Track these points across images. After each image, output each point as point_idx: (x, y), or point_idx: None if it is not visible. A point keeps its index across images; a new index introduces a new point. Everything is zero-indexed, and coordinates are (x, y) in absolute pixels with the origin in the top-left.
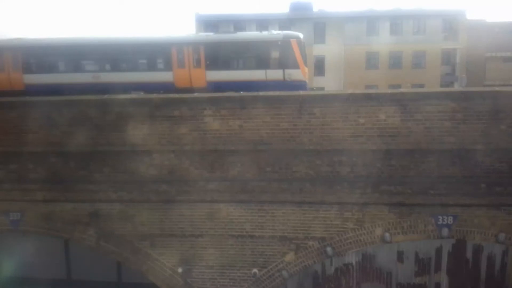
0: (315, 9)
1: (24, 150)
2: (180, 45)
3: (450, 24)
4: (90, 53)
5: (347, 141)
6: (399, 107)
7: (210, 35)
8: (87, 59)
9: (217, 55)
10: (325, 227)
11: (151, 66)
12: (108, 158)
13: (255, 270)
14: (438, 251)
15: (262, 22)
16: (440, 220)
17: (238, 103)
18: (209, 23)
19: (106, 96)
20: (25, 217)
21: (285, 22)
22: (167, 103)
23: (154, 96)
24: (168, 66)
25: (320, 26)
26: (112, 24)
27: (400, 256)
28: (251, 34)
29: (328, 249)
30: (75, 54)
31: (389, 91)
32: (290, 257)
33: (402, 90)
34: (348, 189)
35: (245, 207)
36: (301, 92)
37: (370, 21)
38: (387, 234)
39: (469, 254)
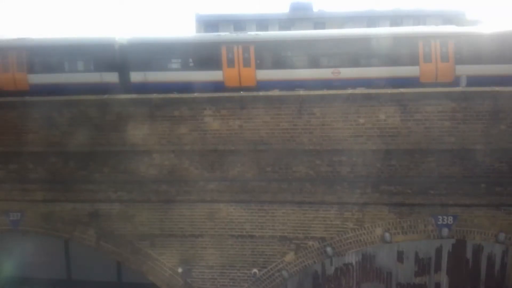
0: (315, 9)
1: (24, 150)
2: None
3: (450, 25)
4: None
5: (347, 141)
6: (399, 107)
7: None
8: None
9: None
10: (325, 227)
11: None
12: (108, 158)
13: (255, 270)
14: (438, 251)
15: (262, 22)
16: (440, 220)
17: (238, 103)
18: (209, 23)
19: (106, 96)
20: (25, 217)
21: (285, 22)
22: (167, 103)
23: (154, 96)
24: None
25: (320, 26)
26: (112, 24)
27: (400, 256)
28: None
29: (328, 249)
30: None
31: (389, 91)
32: (290, 257)
33: (402, 90)
34: (348, 189)
35: (245, 207)
36: (301, 92)
37: (370, 21)
38: (387, 234)
39: (469, 254)
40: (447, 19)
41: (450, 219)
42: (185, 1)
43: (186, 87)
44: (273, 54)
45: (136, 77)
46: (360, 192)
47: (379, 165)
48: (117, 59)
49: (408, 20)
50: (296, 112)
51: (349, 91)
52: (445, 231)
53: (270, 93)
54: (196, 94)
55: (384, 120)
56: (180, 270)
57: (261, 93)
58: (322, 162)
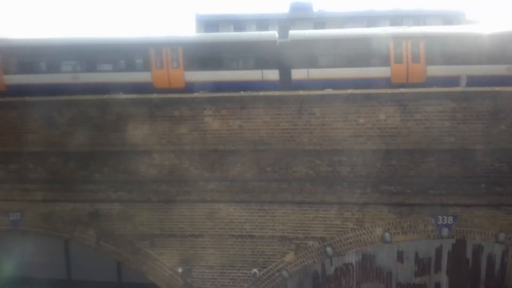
0: (315, 9)
1: (24, 150)
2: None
3: (450, 25)
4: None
5: (347, 141)
6: (399, 107)
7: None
8: None
9: None
10: (325, 227)
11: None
12: (108, 158)
13: (255, 270)
14: (438, 251)
15: (262, 22)
16: (440, 220)
17: (238, 103)
18: (209, 23)
19: (106, 96)
20: (25, 217)
21: (285, 22)
22: (167, 103)
23: (154, 96)
24: None
25: (320, 26)
26: (112, 24)
27: (400, 256)
28: None
29: (328, 249)
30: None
31: (389, 91)
32: (290, 257)
33: (402, 90)
34: (348, 189)
35: (245, 207)
36: (301, 92)
37: (370, 21)
38: (387, 234)
39: (469, 254)
40: (447, 19)
41: (450, 219)
42: (185, 1)
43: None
44: (201, 56)
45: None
46: (360, 192)
47: (379, 165)
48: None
49: (408, 20)
50: (296, 112)
51: (349, 91)
52: (445, 231)
53: (270, 93)
54: (196, 94)
55: (384, 120)
56: (180, 270)
57: (261, 93)
58: (322, 162)
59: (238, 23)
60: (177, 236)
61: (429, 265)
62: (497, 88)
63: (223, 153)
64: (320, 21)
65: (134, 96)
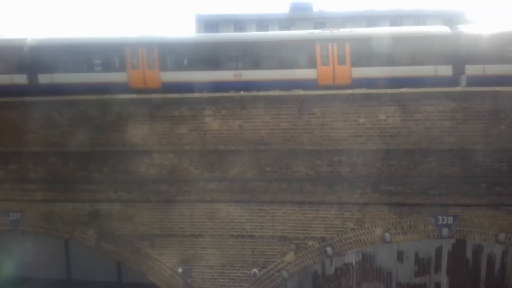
0: (315, 9)
1: (24, 150)
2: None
3: (450, 25)
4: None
5: (347, 141)
6: (399, 107)
7: None
8: None
9: None
10: (325, 227)
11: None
12: (108, 158)
13: (255, 270)
14: (438, 251)
15: (262, 22)
16: (440, 220)
17: (238, 103)
18: (209, 23)
19: (106, 96)
20: (25, 217)
21: (285, 22)
22: (167, 103)
23: (154, 96)
24: None
25: (320, 26)
26: (112, 24)
27: (400, 256)
28: None
29: (328, 249)
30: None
31: (389, 91)
32: (290, 257)
33: (402, 90)
34: (348, 189)
35: (245, 207)
36: (301, 92)
37: (370, 21)
38: (387, 234)
39: (469, 254)
40: (447, 19)
41: (450, 219)
42: (185, 1)
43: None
44: (176, 57)
45: None
46: (360, 192)
47: (379, 165)
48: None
49: (408, 20)
50: (296, 112)
51: (349, 91)
52: (445, 231)
53: (270, 93)
54: (196, 94)
55: (384, 120)
56: (180, 270)
57: (261, 93)
58: (322, 162)
59: (238, 23)
60: (177, 236)
61: (429, 265)
62: (497, 88)
63: (223, 153)
64: (320, 21)
65: (134, 96)
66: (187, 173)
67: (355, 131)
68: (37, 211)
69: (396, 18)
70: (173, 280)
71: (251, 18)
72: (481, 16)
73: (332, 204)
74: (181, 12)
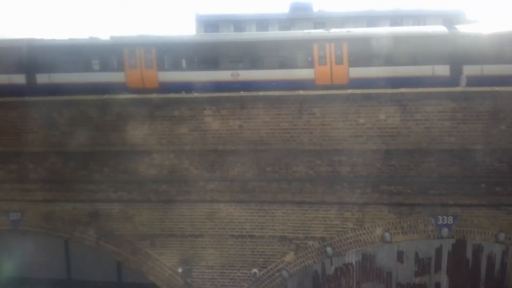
0: (315, 9)
1: (24, 150)
2: None
3: (450, 25)
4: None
5: (347, 141)
6: (399, 107)
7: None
8: None
9: None
10: (325, 227)
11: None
12: (108, 158)
13: (255, 270)
14: (438, 251)
15: (262, 22)
16: (440, 220)
17: (238, 103)
18: (209, 23)
19: (106, 96)
20: (25, 217)
21: (285, 22)
22: (167, 103)
23: (154, 96)
24: None
25: (320, 26)
26: (112, 24)
27: (400, 256)
28: None
29: (328, 249)
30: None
31: (389, 91)
32: (290, 257)
33: (402, 90)
34: (348, 189)
35: (245, 207)
36: (301, 92)
37: (370, 21)
38: (387, 234)
39: (469, 254)
40: (447, 19)
41: (450, 219)
42: (185, 1)
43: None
44: (174, 57)
45: None
46: (360, 192)
47: (379, 165)
48: None
49: (408, 20)
50: (296, 112)
51: (349, 91)
52: (445, 231)
53: (270, 93)
54: (196, 94)
55: (384, 120)
56: (180, 270)
57: (261, 93)
58: (322, 162)
59: (238, 23)
60: (177, 236)
61: (429, 265)
62: (497, 88)
63: (223, 153)
64: (320, 21)
65: (134, 96)
66: (187, 173)
67: (355, 131)
68: (37, 211)
69: (396, 18)
70: (173, 280)
71: (251, 18)
72: (481, 16)
73: (332, 204)
74: (181, 12)
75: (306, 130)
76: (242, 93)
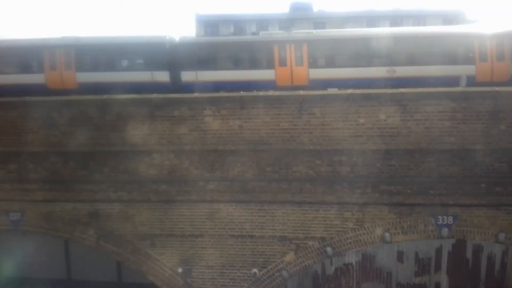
0: (315, 9)
1: (24, 150)
2: None
3: (450, 25)
4: None
5: (347, 141)
6: (399, 107)
7: None
8: None
9: None
10: (325, 227)
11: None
12: (108, 158)
13: (255, 270)
14: (438, 251)
15: (262, 22)
16: (440, 220)
17: (238, 103)
18: (209, 23)
19: (106, 96)
20: (25, 217)
21: (285, 22)
22: (167, 103)
23: (154, 96)
24: None
25: (320, 26)
26: (112, 24)
27: (400, 256)
28: None
29: (328, 249)
30: None
31: (389, 91)
32: (290, 257)
33: (402, 90)
34: (348, 189)
35: (245, 207)
36: (301, 92)
37: (370, 21)
38: (387, 234)
39: (469, 254)
40: (447, 19)
41: (450, 219)
42: (185, 1)
43: None
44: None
45: None
46: (360, 192)
47: (379, 165)
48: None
49: (408, 20)
50: (296, 112)
51: (349, 91)
52: (445, 231)
53: (270, 93)
54: (196, 94)
55: (384, 120)
56: (180, 270)
57: (261, 93)
58: (322, 162)
59: (238, 23)
60: (177, 236)
61: (429, 265)
62: (497, 88)
63: (223, 153)
64: (320, 21)
65: (134, 96)
66: (187, 173)
67: (355, 131)
68: (37, 211)
69: (396, 18)
70: (173, 280)
71: (251, 18)
72: (481, 16)
73: (332, 204)
74: (181, 12)
75: (306, 130)
76: (242, 93)
